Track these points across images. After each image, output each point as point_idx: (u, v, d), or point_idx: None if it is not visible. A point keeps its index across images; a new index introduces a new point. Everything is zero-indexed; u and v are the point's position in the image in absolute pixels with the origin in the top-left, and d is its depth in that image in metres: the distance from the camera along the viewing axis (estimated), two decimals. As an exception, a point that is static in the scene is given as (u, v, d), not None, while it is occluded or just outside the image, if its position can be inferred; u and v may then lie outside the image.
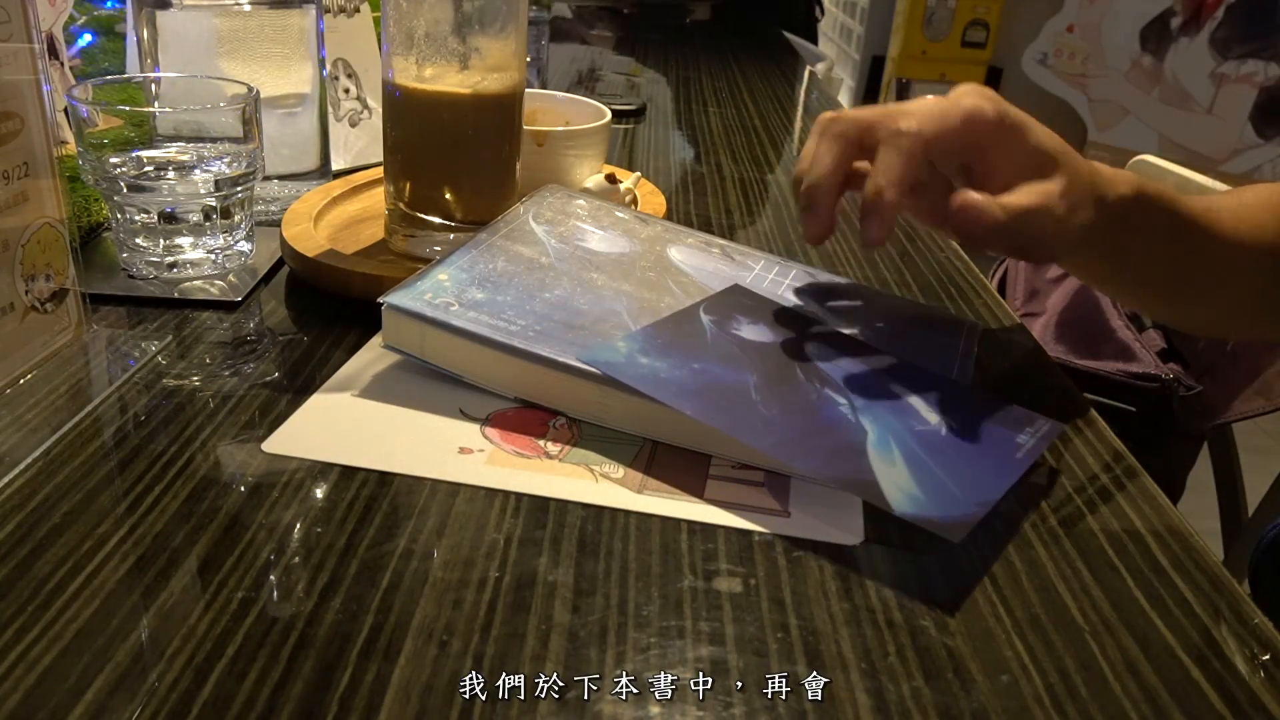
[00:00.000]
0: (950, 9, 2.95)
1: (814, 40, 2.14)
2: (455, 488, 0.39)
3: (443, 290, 0.46)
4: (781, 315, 0.49)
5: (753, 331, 0.47)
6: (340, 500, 0.38)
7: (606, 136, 0.70)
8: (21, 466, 0.39)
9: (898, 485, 0.38)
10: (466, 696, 0.29)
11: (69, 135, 0.57)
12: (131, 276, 0.56)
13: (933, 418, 0.43)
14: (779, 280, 0.54)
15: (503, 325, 0.44)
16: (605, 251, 0.53)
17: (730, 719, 0.29)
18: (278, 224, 0.59)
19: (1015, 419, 0.44)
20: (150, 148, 0.57)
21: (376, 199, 0.66)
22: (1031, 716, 0.30)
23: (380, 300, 0.45)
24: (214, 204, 0.55)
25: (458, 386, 0.45)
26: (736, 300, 0.50)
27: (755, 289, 0.52)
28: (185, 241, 0.56)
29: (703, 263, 0.54)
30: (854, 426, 0.41)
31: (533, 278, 0.49)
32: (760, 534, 0.37)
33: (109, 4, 0.72)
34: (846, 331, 0.49)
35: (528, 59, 0.62)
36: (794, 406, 0.42)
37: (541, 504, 0.38)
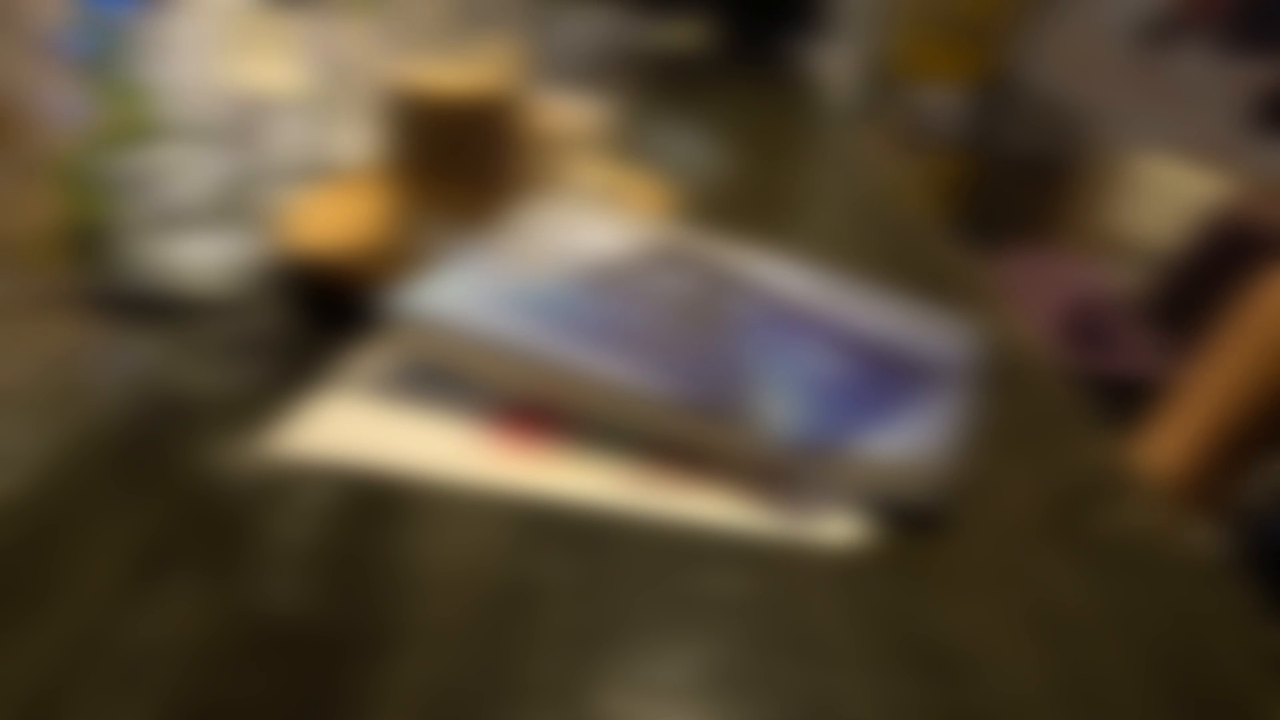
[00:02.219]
0: (949, 7, 2.95)
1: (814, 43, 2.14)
2: (457, 486, 0.39)
3: (446, 290, 0.46)
4: (714, 271, 0.51)
5: (672, 283, 0.48)
6: (341, 499, 0.38)
7: (608, 136, 0.70)
8: (22, 467, 0.38)
9: (773, 411, 0.40)
10: (468, 697, 0.29)
11: (69, 134, 0.57)
12: (132, 276, 0.56)
13: (840, 361, 0.45)
14: (773, 273, 0.54)
15: (504, 325, 0.44)
16: (608, 252, 0.53)
17: (730, 718, 0.29)
18: (278, 223, 0.59)
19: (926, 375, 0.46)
20: (151, 147, 0.57)
21: (378, 199, 0.66)
22: (1032, 716, 0.30)
23: (383, 301, 0.45)
24: (214, 203, 0.55)
25: (460, 386, 0.45)
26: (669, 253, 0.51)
27: (752, 281, 0.52)
28: (186, 241, 0.56)
29: (708, 260, 0.54)
30: (743, 356, 0.43)
31: (535, 278, 0.49)
32: (761, 532, 0.37)
33: (110, 3, 0.71)
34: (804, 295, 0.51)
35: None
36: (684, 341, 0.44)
37: (543, 503, 0.38)
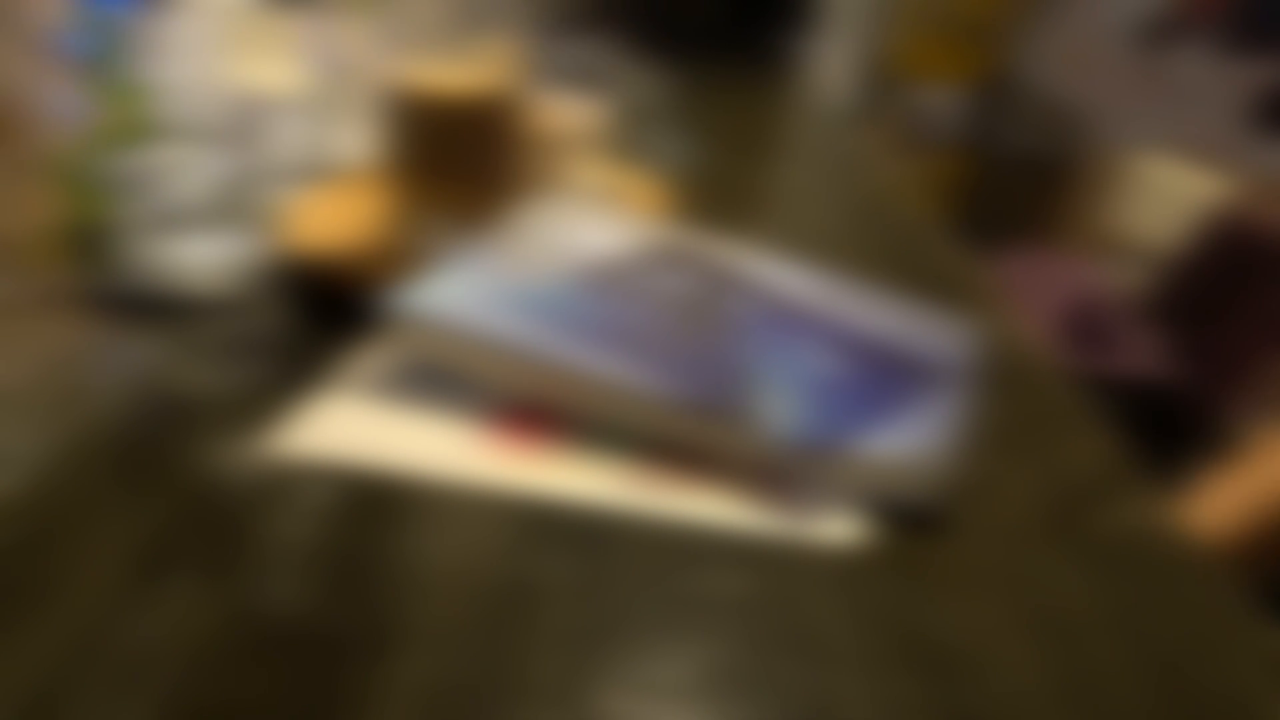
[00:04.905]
0: (949, 7, 2.95)
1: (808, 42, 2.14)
2: (457, 486, 0.39)
3: (446, 290, 0.46)
4: (714, 271, 0.51)
5: (673, 282, 0.49)
6: (341, 499, 0.38)
7: (608, 136, 0.70)
8: (22, 467, 0.38)
9: (774, 410, 0.40)
10: (468, 697, 0.29)
11: (69, 134, 0.57)
12: (132, 276, 0.56)
13: (839, 361, 0.45)
14: (773, 273, 0.54)
15: (504, 325, 0.44)
16: (608, 252, 0.53)
17: (730, 718, 0.29)
18: (278, 223, 0.59)
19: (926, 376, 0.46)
20: (151, 147, 0.57)
21: (378, 199, 0.66)
22: (1032, 717, 0.30)
23: (383, 301, 0.45)
24: (214, 203, 0.55)
25: (460, 386, 0.45)
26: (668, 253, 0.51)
27: (751, 280, 0.52)
28: (186, 241, 0.56)
29: (708, 260, 0.54)
30: (742, 354, 0.43)
31: (535, 278, 0.49)
32: (761, 532, 0.37)
33: (110, 3, 0.71)
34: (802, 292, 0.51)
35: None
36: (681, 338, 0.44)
37: (543, 503, 0.38)
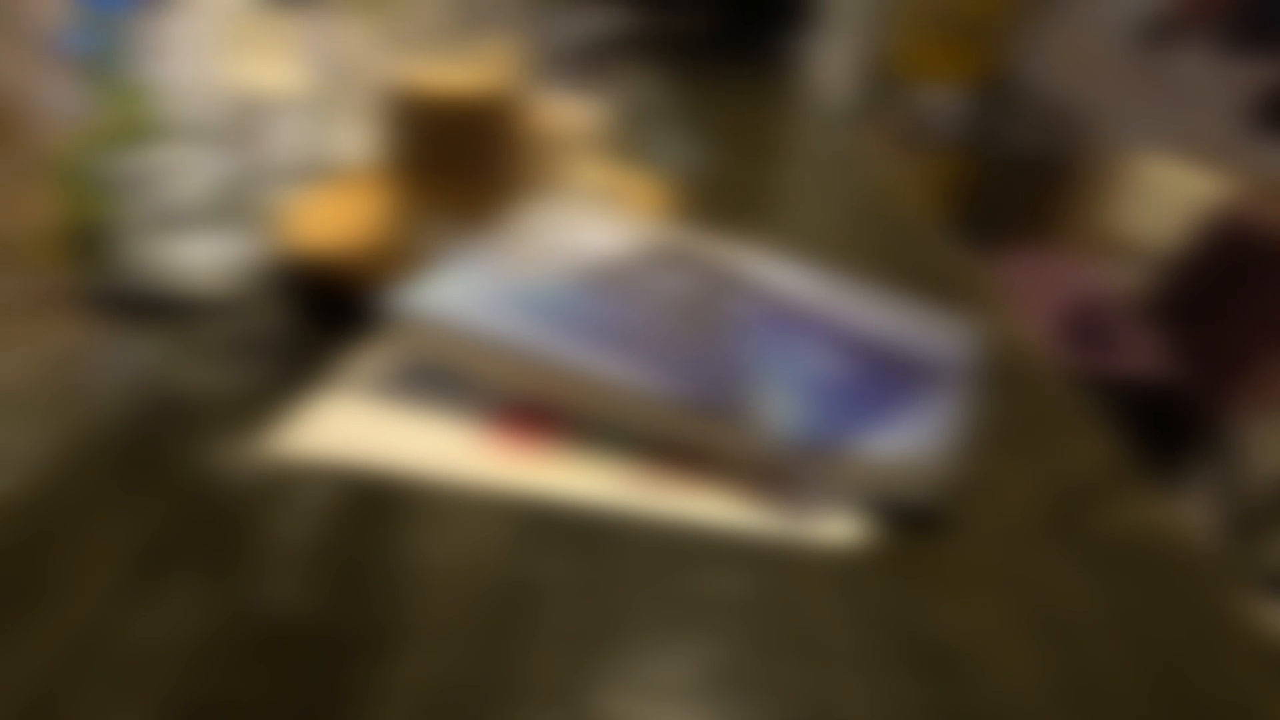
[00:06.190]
0: (949, 7, 2.95)
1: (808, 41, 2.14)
2: (457, 486, 0.39)
3: (446, 290, 0.46)
4: (713, 271, 0.51)
5: (673, 282, 0.49)
6: (341, 499, 0.38)
7: (608, 136, 0.70)
8: (22, 467, 0.38)
9: (775, 409, 0.40)
10: (468, 697, 0.29)
11: (69, 134, 0.57)
12: (132, 276, 0.56)
13: (839, 361, 0.45)
14: (773, 273, 0.54)
15: (504, 325, 0.44)
16: (608, 252, 0.53)
17: (730, 718, 0.29)
18: (278, 223, 0.59)
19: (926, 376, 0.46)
20: (151, 147, 0.57)
21: (378, 199, 0.66)
22: (1032, 717, 0.30)
23: (383, 301, 0.45)
24: (214, 203, 0.55)
25: (460, 386, 0.45)
26: (669, 253, 0.51)
27: (752, 280, 0.52)
28: (186, 241, 0.56)
29: (708, 260, 0.54)
30: (743, 354, 0.43)
31: (535, 278, 0.49)
32: (761, 532, 0.37)
33: (110, 3, 0.71)
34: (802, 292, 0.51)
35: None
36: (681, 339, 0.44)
37: (543, 503, 0.38)
